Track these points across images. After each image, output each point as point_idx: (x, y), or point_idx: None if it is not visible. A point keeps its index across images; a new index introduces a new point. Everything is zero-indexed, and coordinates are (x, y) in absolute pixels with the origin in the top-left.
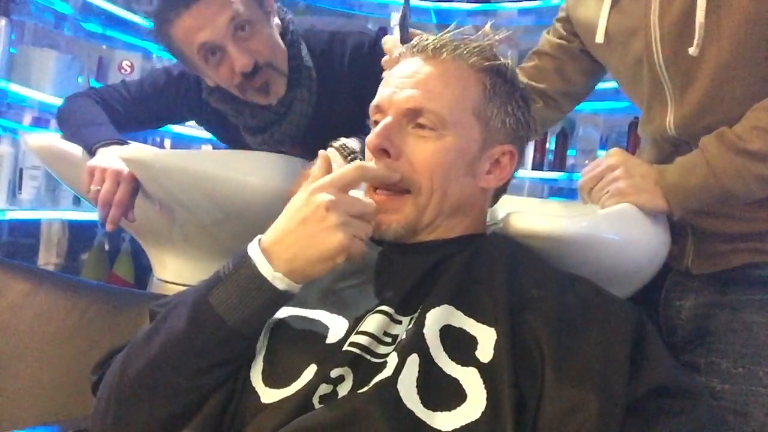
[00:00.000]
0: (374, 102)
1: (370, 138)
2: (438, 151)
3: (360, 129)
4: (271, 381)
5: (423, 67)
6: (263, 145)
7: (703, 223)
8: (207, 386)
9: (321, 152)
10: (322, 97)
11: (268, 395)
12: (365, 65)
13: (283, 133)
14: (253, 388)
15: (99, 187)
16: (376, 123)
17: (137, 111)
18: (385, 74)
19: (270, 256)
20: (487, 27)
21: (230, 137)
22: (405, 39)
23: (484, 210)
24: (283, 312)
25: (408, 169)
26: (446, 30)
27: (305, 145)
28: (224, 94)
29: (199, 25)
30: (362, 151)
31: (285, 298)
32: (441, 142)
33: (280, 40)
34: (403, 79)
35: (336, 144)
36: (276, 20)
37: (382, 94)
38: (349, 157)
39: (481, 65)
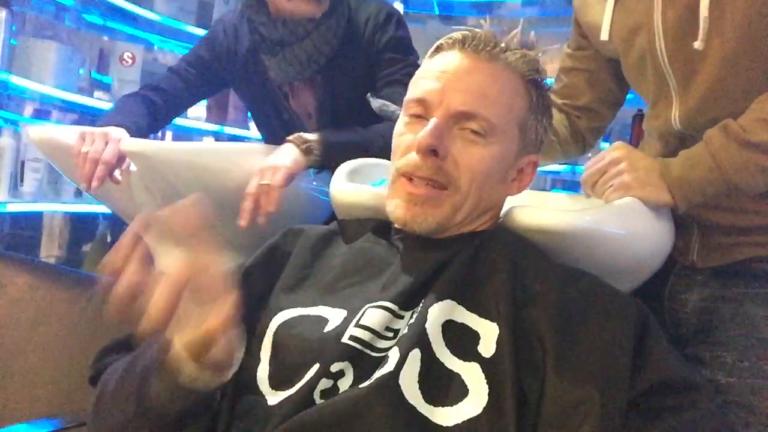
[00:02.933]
0: (418, 95)
1: (423, 137)
2: (484, 157)
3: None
4: (276, 383)
5: (477, 68)
6: (277, 68)
7: (708, 217)
8: None
9: None
10: (340, 53)
11: (275, 398)
12: (379, 34)
13: (295, 57)
14: (261, 391)
15: (88, 149)
16: (415, 116)
17: (183, 87)
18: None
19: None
20: (532, 35)
21: (259, 97)
22: None
23: (500, 212)
24: (285, 314)
25: (452, 168)
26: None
27: (312, 94)
28: (261, 7)
29: None
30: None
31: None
32: (488, 149)
33: None
34: (454, 77)
35: (292, 138)
36: None
37: (428, 88)
38: (304, 145)
39: (531, 77)
